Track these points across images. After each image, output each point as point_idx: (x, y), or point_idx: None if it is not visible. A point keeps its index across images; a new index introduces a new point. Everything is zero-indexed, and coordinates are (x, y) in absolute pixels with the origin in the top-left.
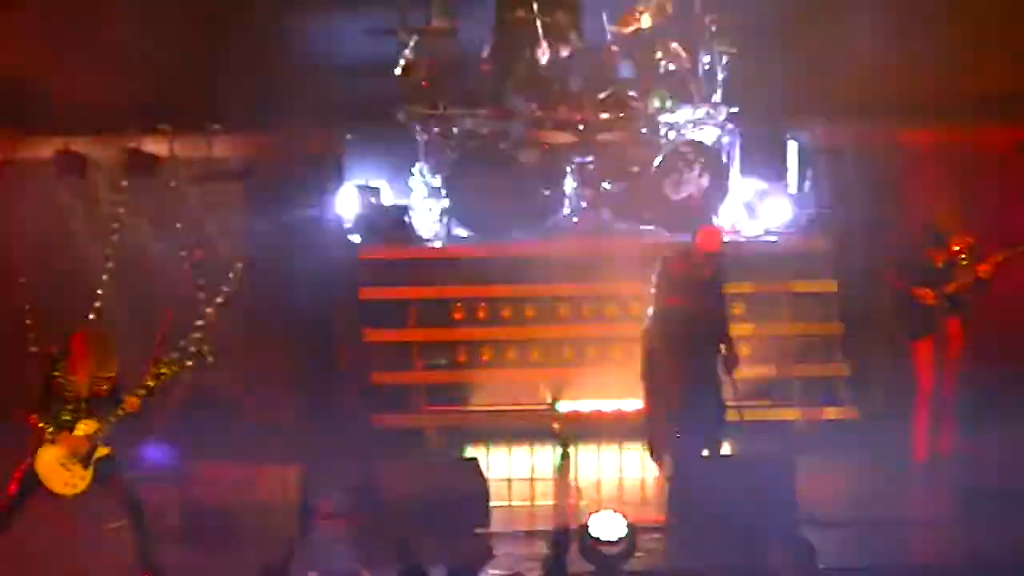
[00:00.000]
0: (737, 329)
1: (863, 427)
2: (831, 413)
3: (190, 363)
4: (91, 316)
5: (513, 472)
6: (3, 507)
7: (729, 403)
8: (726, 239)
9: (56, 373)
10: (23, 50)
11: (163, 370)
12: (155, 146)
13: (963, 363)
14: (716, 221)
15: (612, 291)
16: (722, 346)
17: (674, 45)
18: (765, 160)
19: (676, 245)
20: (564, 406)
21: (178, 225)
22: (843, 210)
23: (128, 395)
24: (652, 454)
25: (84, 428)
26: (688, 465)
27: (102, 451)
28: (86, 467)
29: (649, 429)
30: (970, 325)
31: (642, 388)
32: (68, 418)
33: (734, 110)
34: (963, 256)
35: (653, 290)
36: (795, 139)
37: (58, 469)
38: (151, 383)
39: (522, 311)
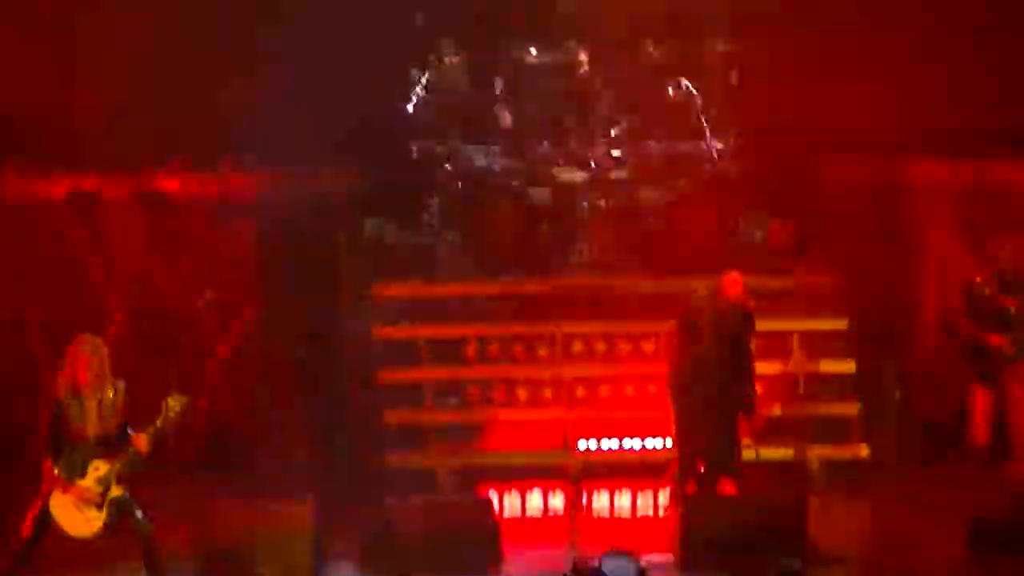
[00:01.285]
0: None
1: (874, 467)
2: (843, 452)
3: (171, 412)
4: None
5: (526, 511)
6: (17, 548)
7: (745, 442)
8: (744, 281)
9: (63, 414)
10: (35, 86)
11: (173, 408)
12: (168, 183)
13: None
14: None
15: (624, 329)
16: (744, 388)
17: (685, 81)
18: (777, 195)
19: (699, 289)
20: (579, 445)
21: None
22: (854, 247)
23: (138, 433)
24: (671, 492)
25: (96, 471)
26: (702, 503)
27: (116, 491)
28: (100, 508)
29: (671, 467)
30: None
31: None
32: (79, 460)
33: (745, 145)
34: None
35: (677, 333)
36: (808, 175)
37: (72, 511)
38: (160, 422)
39: (535, 349)
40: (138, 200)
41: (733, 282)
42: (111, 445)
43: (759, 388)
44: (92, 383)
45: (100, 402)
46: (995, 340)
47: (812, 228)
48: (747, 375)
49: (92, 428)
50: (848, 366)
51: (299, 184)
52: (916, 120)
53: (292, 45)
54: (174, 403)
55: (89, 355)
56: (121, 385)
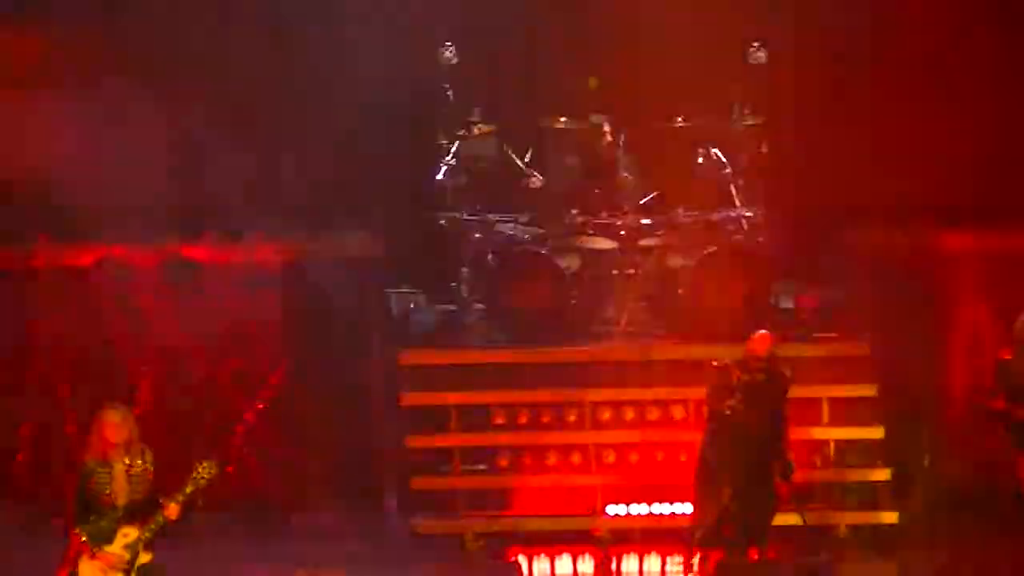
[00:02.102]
0: None
1: (903, 531)
2: (871, 517)
3: (201, 478)
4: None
5: None
6: None
7: (779, 507)
8: (775, 345)
9: (91, 480)
10: (61, 155)
11: (202, 474)
12: (196, 251)
13: None
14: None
15: (653, 396)
16: (778, 450)
17: (714, 149)
18: (807, 264)
19: (730, 352)
20: (608, 510)
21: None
22: (880, 314)
23: (167, 500)
24: (698, 558)
25: (124, 537)
26: (729, 568)
27: (144, 558)
28: (128, 575)
29: (697, 533)
30: None
31: (694, 492)
32: (108, 526)
33: (774, 215)
34: None
35: (709, 396)
36: (837, 244)
37: None
38: (189, 488)
39: (563, 416)
40: (166, 268)
41: (761, 340)
42: (140, 512)
43: (793, 453)
44: (120, 449)
45: (129, 469)
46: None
47: (841, 296)
48: (781, 438)
49: (121, 495)
50: (877, 432)
51: (328, 253)
52: (945, 191)
53: (323, 114)
54: (203, 470)
55: (117, 422)
56: (149, 453)
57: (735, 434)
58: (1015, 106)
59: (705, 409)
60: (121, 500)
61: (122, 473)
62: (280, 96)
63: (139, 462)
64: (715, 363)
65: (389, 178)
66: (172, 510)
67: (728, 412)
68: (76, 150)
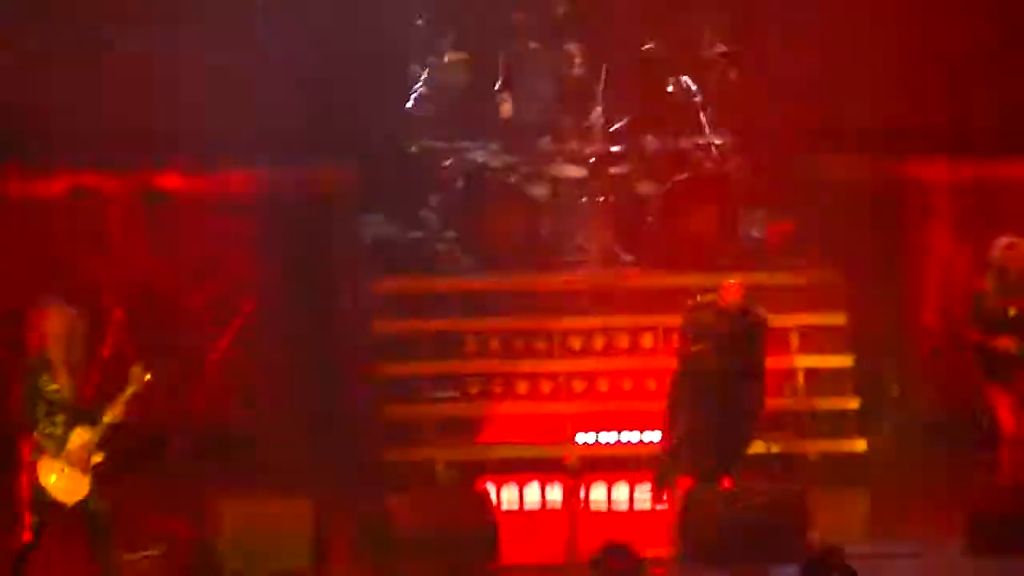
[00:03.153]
0: None
1: (872, 459)
2: (841, 446)
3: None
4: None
5: (524, 505)
6: (27, 538)
7: (749, 437)
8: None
9: (37, 379)
10: (32, 83)
11: (137, 376)
12: (169, 180)
13: None
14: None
15: (623, 324)
16: (753, 394)
17: (684, 77)
18: (775, 191)
19: (697, 296)
20: (577, 438)
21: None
22: (851, 242)
23: (112, 402)
24: (665, 486)
25: (78, 438)
26: (699, 496)
27: (97, 458)
28: (85, 474)
29: (665, 462)
30: None
31: (665, 424)
32: (60, 431)
33: (744, 142)
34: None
35: (680, 336)
36: (805, 170)
37: (60, 478)
38: (129, 391)
39: (533, 344)
40: (136, 198)
41: (731, 289)
42: (88, 412)
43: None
44: (60, 343)
45: (70, 369)
46: (1002, 343)
47: (811, 225)
48: (756, 382)
49: (66, 389)
50: (847, 360)
51: (297, 181)
52: (916, 117)
53: (292, 42)
54: (138, 371)
55: (51, 314)
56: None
57: (705, 378)
58: (987, 30)
59: (677, 346)
60: (67, 395)
61: (63, 367)
62: (251, 23)
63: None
64: (690, 302)
65: (360, 106)
66: (117, 411)
67: (696, 356)
68: (47, 76)
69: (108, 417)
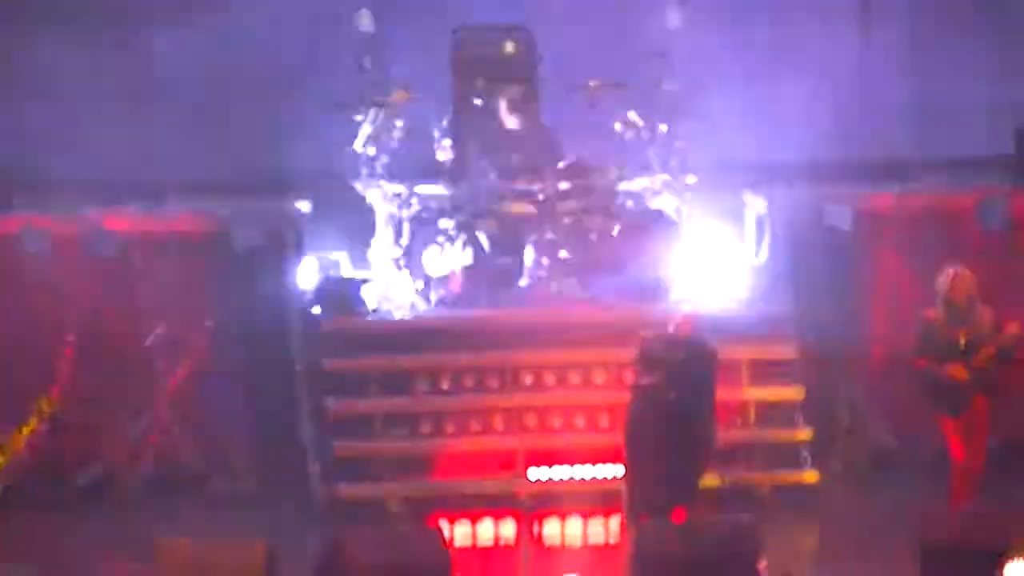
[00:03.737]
0: None
1: (824, 490)
2: (792, 477)
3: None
4: (53, 390)
5: (477, 541)
6: None
7: (702, 471)
8: (699, 316)
9: None
10: None
11: (43, 407)
12: (116, 222)
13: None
14: (682, 299)
15: (574, 359)
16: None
17: (632, 114)
18: (726, 227)
19: (653, 326)
20: (530, 474)
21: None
22: (804, 276)
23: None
24: (625, 519)
25: None
26: (652, 530)
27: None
28: None
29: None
30: (997, 397)
31: (623, 457)
32: None
33: (692, 179)
34: (984, 330)
35: (634, 364)
36: (756, 205)
37: None
38: (33, 422)
39: (484, 380)
40: (88, 239)
41: (682, 323)
42: None
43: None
44: None
45: None
46: (951, 371)
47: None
48: (707, 414)
49: None
50: (798, 393)
51: (249, 221)
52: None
53: (240, 83)
54: (44, 404)
55: None
56: None
57: (657, 410)
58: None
59: (630, 379)
60: None
61: None
62: (195, 63)
63: None
64: (643, 334)
65: (308, 146)
66: (20, 441)
67: (649, 387)
68: None
69: (5, 451)
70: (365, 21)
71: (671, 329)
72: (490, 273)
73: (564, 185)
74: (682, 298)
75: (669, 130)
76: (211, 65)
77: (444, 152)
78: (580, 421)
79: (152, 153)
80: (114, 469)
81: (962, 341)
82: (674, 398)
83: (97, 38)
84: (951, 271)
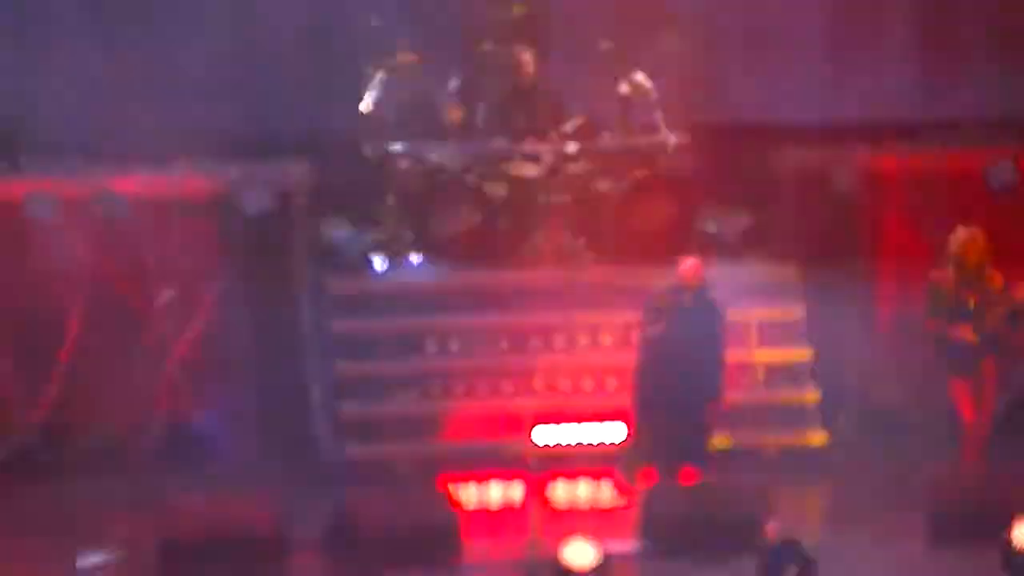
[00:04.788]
0: None
1: (832, 452)
2: (801, 439)
3: None
4: (63, 354)
5: (485, 502)
6: None
7: (711, 431)
8: (705, 271)
9: None
10: None
11: None
12: (124, 184)
13: (992, 396)
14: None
15: (583, 321)
16: (713, 380)
17: (639, 74)
18: (735, 187)
19: (659, 276)
20: (538, 435)
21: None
22: (810, 235)
23: None
24: (631, 478)
25: None
26: (660, 491)
27: None
28: None
29: (630, 454)
30: (1006, 358)
31: (630, 417)
32: None
33: (699, 136)
34: (995, 291)
35: (642, 321)
36: (766, 165)
37: None
38: None
39: (493, 343)
40: (96, 202)
41: (689, 267)
42: None
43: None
44: None
45: None
46: (961, 333)
47: (768, 218)
48: (716, 366)
49: None
50: (806, 354)
51: (258, 183)
52: (871, 111)
53: (245, 41)
54: None
55: None
56: None
57: (665, 366)
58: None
59: (637, 334)
60: None
61: None
62: (199, 26)
63: None
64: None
65: (316, 108)
66: None
67: (656, 337)
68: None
69: None
70: None
71: (679, 278)
72: (498, 234)
73: (572, 146)
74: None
75: (674, 91)
76: (215, 27)
77: (454, 113)
78: (589, 382)
79: (159, 116)
80: (123, 432)
81: (972, 303)
82: (681, 346)
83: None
84: (963, 233)
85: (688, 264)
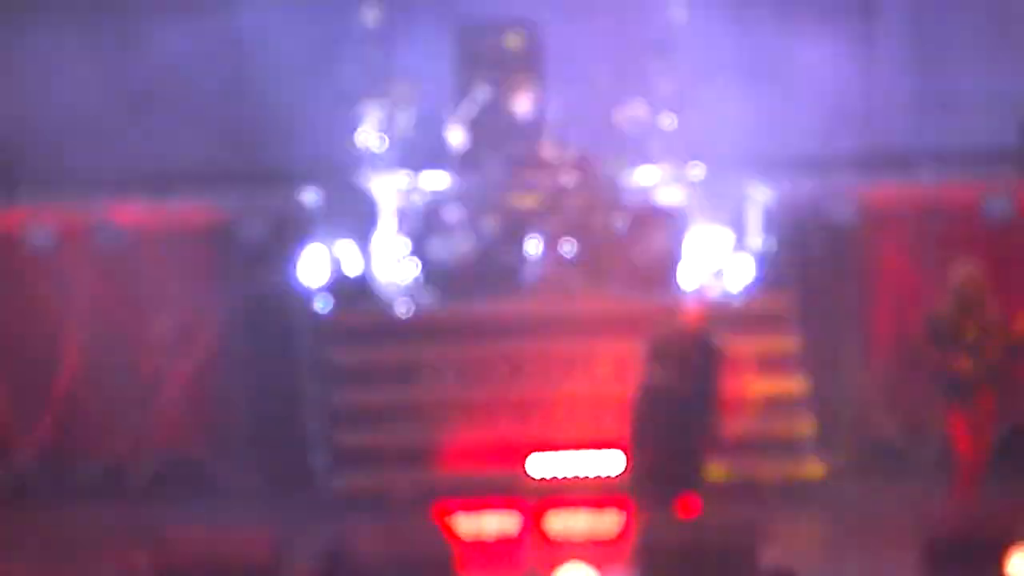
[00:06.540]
0: None
1: (829, 484)
2: (798, 471)
3: None
4: (61, 383)
5: (482, 532)
6: None
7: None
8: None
9: None
10: None
11: None
12: (123, 214)
13: (989, 429)
14: (686, 285)
15: (579, 351)
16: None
17: (636, 106)
18: (729, 218)
19: (664, 316)
20: (535, 466)
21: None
22: (806, 267)
23: None
24: (633, 509)
25: None
26: (656, 523)
27: None
28: None
29: (635, 485)
30: (1004, 390)
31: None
32: None
33: (696, 170)
34: (993, 323)
35: (643, 358)
36: (760, 197)
37: None
38: None
39: (489, 372)
40: (95, 231)
41: (691, 312)
42: None
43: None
44: None
45: None
46: (959, 364)
47: (765, 249)
48: (711, 410)
49: None
50: (803, 385)
51: (255, 213)
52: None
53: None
54: None
55: None
56: None
57: (665, 403)
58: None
59: (637, 373)
60: None
61: None
62: (200, 58)
63: None
64: (653, 330)
65: (313, 137)
66: None
67: (657, 378)
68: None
69: None
70: (371, 14)
71: (681, 323)
72: (494, 265)
73: (570, 178)
74: (689, 289)
75: (672, 122)
76: (217, 56)
77: (456, 139)
78: (585, 413)
79: (158, 145)
80: (121, 461)
81: (970, 335)
82: (682, 394)
83: (99, 28)
84: (961, 264)
85: (689, 309)
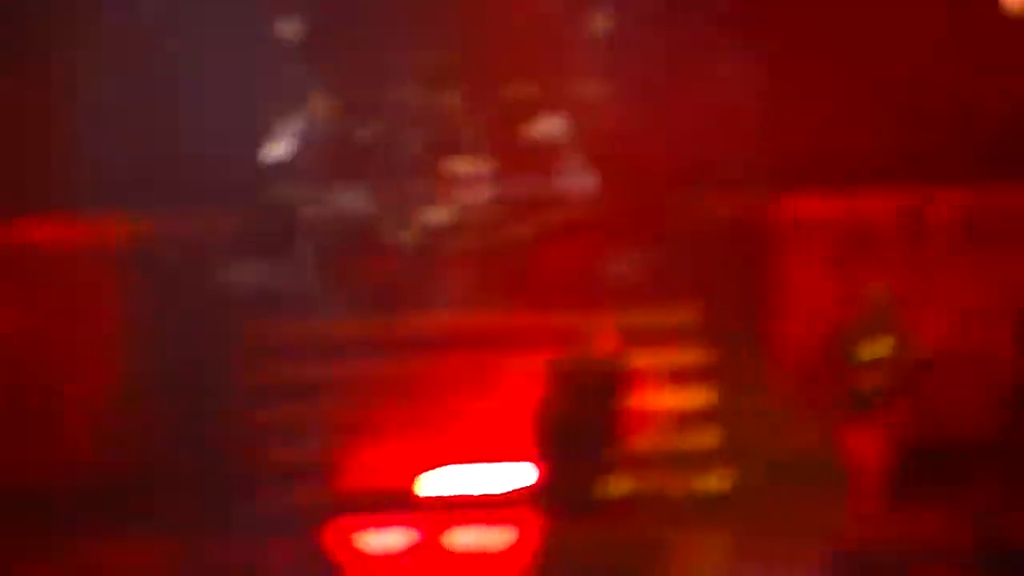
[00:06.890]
0: None
1: (735, 497)
2: (704, 484)
3: None
4: None
5: (381, 547)
6: None
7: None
8: (616, 330)
9: None
10: None
11: None
12: (35, 231)
13: (895, 444)
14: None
15: (487, 367)
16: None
17: (553, 118)
18: (643, 230)
19: (571, 336)
20: (434, 483)
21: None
22: (718, 282)
23: None
24: (535, 525)
25: None
26: (558, 538)
27: None
28: None
29: (540, 500)
30: (903, 407)
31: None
32: None
33: (609, 183)
34: (902, 339)
35: (546, 379)
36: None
37: None
38: None
39: (393, 387)
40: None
41: (603, 341)
42: None
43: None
44: None
45: None
46: (867, 380)
47: (674, 263)
48: (616, 422)
49: None
50: (710, 399)
51: (172, 230)
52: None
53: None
54: None
55: None
56: None
57: (563, 424)
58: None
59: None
60: None
61: None
62: (116, 68)
63: None
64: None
65: (231, 153)
66: None
67: (560, 407)
68: None
69: None
70: (289, 29)
71: (587, 344)
72: (405, 279)
73: (484, 191)
74: (599, 305)
75: (585, 135)
76: (135, 68)
77: (368, 158)
78: (487, 429)
79: (77, 158)
80: (46, 482)
81: (878, 349)
82: (584, 416)
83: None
84: (871, 279)
85: (601, 339)
